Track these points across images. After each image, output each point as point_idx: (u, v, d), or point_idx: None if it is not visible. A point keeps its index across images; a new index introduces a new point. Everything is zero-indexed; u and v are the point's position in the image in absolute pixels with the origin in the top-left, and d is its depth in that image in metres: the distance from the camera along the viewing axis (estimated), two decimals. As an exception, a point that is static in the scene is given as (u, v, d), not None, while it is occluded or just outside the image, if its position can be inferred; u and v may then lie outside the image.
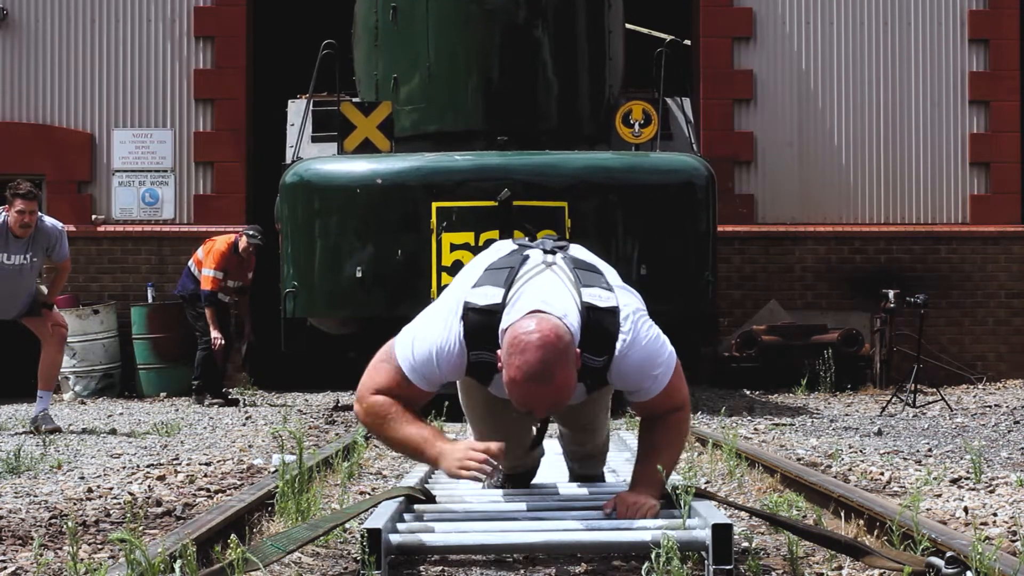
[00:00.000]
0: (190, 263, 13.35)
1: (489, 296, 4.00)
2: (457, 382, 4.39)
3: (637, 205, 11.03)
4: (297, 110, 12.65)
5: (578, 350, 3.86)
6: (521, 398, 3.82)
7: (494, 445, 4.10)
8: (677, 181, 11.23)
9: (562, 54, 12.25)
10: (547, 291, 3.99)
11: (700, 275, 10.95)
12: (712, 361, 15.09)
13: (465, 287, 4.09)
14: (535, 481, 4.86)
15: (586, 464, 4.93)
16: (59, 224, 9.93)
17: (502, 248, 4.32)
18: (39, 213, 9.70)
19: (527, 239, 4.39)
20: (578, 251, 4.30)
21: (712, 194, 11.29)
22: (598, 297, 4.00)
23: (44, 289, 9.93)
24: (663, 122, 12.14)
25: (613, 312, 3.99)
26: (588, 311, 3.96)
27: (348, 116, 11.78)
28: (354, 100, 12.19)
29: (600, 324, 3.96)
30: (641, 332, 4.02)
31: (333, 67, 11.80)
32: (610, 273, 4.22)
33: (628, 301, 4.09)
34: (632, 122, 12.05)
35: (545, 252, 4.17)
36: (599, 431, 4.77)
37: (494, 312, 3.96)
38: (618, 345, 3.97)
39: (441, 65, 12.09)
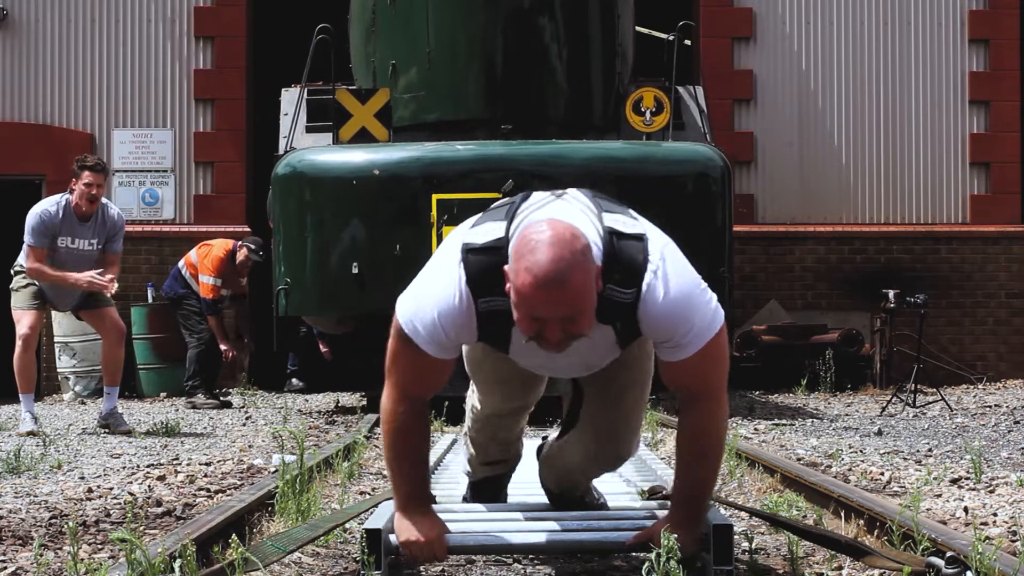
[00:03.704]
0: (180, 265, 13.02)
1: (490, 232, 3.48)
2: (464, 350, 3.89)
3: (649, 197, 10.40)
4: (291, 99, 12.18)
5: (599, 265, 3.34)
6: (531, 308, 3.25)
7: (440, 553, 3.70)
8: (691, 172, 10.82)
9: (569, 39, 11.81)
10: (560, 215, 3.43)
11: (715, 271, 10.47)
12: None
13: (464, 231, 3.59)
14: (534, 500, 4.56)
15: (607, 463, 4.20)
16: (123, 215, 9.75)
17: (503, 199, 3.79)
18: (105, 200, 9.45)
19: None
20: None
21: (728, 186, 10.85)
22: (622, 223, 3.46)
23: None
24: (675, 111, 11.67)
25: (640, 238, 3.43)
26: (611, 236, 3.41)
27: (344, 104, 11.33)
28: (350, 88, 11.73)
29: (625, 251, 3.40)
30: (674, 266, 3.45)
31: (328, 54, 11.43)
32: (634, 212, 3.65)
33: (657, 233, 3.53)
34: (643, 110, 11.61)
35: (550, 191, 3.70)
36: (633, 416, 4.01)
37: (497, 248, 3.42)
38: (647, 277, 3.39)
39: (442, 51, 11.66)
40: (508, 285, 3.32)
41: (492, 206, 3.66)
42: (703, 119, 12.10)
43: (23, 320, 9.41)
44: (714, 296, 3.53)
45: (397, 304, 3.62)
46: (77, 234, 9.29)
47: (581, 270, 3.24)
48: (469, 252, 3.46)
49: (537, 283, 3.21)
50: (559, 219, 3.33)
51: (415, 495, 3.73)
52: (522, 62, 11.65)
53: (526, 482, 4.79)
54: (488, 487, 4.45)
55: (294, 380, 15.57)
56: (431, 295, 3.51)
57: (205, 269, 12.75)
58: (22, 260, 9.42)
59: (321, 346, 14.19)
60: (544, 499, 4.50)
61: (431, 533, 3.67)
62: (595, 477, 4.37)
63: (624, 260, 3.40)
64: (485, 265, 3.43)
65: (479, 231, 3.51)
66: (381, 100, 11.39)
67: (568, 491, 4.37)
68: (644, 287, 3.40)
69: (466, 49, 11.67)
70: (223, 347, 12.80)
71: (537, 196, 3.60)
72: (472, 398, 4.25)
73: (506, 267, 3.34)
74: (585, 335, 3.38)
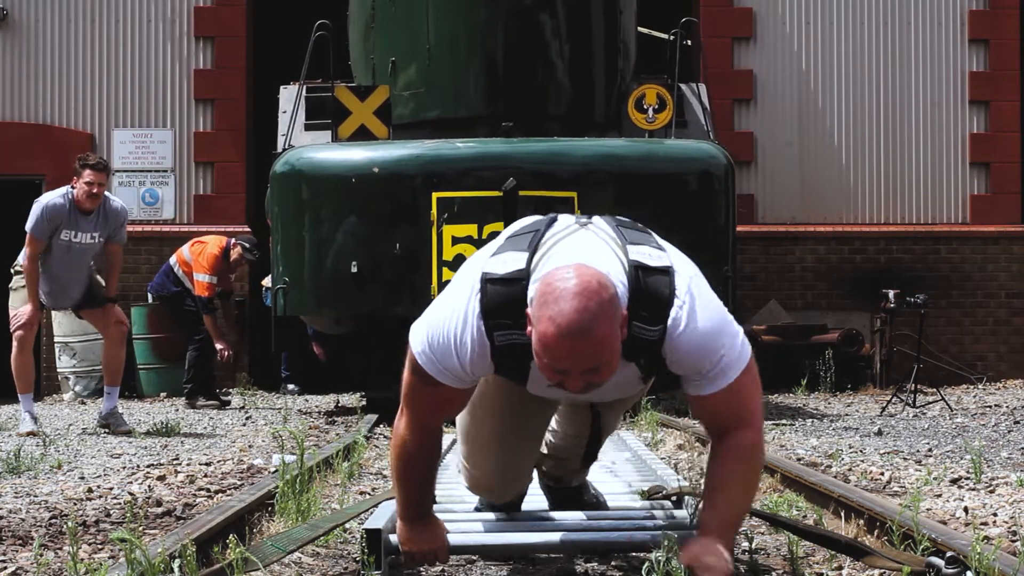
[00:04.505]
0: (172, 262, 12.88)
1: (510, 263, 3.34)
2: None
3: (651, 195, 10.46)
4: (289, 96, 12.05)
5: (625, 311, 3.22)
6: (554, 359, 3.14)
7: (443, 558, 3.75)
8: (694, 170, 10.71)
9: (571, 35, 11.64)
10: (583, 249, 3.33)
11: (719, 270, 10.34)
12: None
13: (484, 258, 3.46)
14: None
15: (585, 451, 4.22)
16: (126, 207, 9.72)
17: (527, 219, 3.65)
18: (107, 193, 9.43)
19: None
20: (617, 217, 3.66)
21: (731, 184, 10.74)
22: (648, 255, 3.35)
23: (100, 280, 9.72)
24: (678, 108, 11.52)
25: (666, 272, 3.33)
26: (636, 271, 3.30)
27: (343, 101, 11.18)
28: (349, 85, 11.58)
29: (651, 287, 3.30)
30: (700, 300, 3.35)
31: (327, 51, 11.31)
32: (658, 239, 3.57)
33: (684, 263, 3.44)
34: (645, 107, 11.45)
35: (575, 217, 3.57)
36: (627, 406, 4.11)
37: (518, 280, 3.31)
38: (672, 312, 3.30)
39: (442, 47, 11.53)
40: (530, 328, 3.22)
41: (515, 231, 3.54)
42: (706, 117, 11.96)
43: None
44: (741, 331, 3.43)
45: (411, 332, 3.48)
46: (80, 227, 9.31)
47: (606, 321, 3.13)
48: (488, 282, 3.34)
49: (560, 333, 3.11)
50: (585, 264, 3.22)
51: (419, 506, 3.71)
52: (523, 59, 11.52)
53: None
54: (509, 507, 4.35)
55: (290, 386, 15.56)
56: (445, 326, 3.38)
57: (200, 267, 12.61)
58: (22, 260, 9.42)
59: (315, 347, 14.15)
60: (544, 501, 4.50)
61: (435, 542, 3.70)
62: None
63: (651, 296, 3.30)
64: (504, 297, 3.32)
65: (499, 260, 3.38)
66: (380, 97, 11.27)
67: (564, 475, 4.34)
68: (670, 323, 3.30)
69: (466, 46, 11.55)
70: (219, 346, 12.75)
71: (562, 223, 3.49)
72: (464, 467, 4.14)
73: (528, 311, 3.22)
74: (606, 382, 3.28)
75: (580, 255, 3.29)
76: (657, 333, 3.30)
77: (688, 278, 3.37)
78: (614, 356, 3.20)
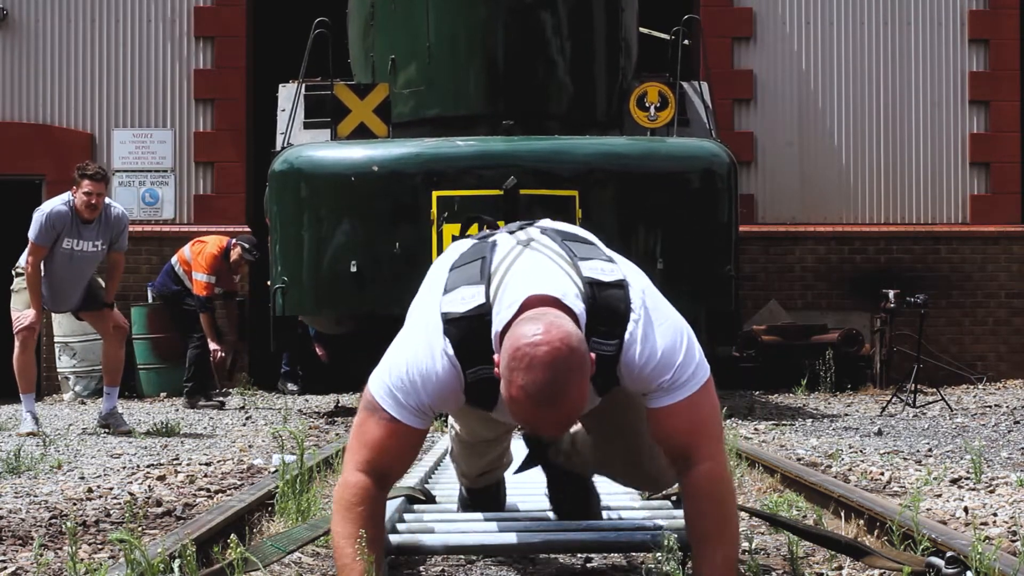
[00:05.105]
0: (174, 261, 12.86)
1: (468, 299, 3.28)
2: None
3: (653, 194, 10.42)
4: (288, 95, 12.00)
5: (593, 356, 3.15)
6: (524, 419, 3.14)
7: None
8: (696, 168, 10.65)
9: (572, 33, 11.58)
10: (537, 272, 3.28)
11: (721, 269, 10.38)
12: (713, 361, 15.04)
13: (434, 297, 3.36)
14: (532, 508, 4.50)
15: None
16: (126, 212, 9.71)
17: (460, 246, 3.56)
18: (107, 199, 9.42)
19: (485, 228, 3.66)
20: (553, 223, 3.60)
21: (733, 182, 10.70)
22: (600, 270, 3.31)
23: (101, 282, 9.74)
24: (680, 106, 11.47)
25: (620, 286, 3.29)
26: (592, 288, 3.26)
27: (342, 100, 11.12)
28: (349, 83, 11.54)
29: (608, 302, 3.26)
30: (655, 311, 3.30)
31: (326, 49, 11.26)
32: (605, 248, 3.50)
33: (633, 273, 3.39)
34: (647, 105, 11.40)
35: (512, 234, 3.48)
36: (640, 439, 3.80)
37: (481, 316, 3.25)
38: (629, 326, 3.25)
39: (442, 45, 11.45)
40: (497, 370, 3.16)
41: (456, 262, 3.44)
42: (708, 115, 11.87)
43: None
44: (700, 349, 3.35)
45: (370, 380, 3.39)
46: (82, 236, 9.30)
47: (578, 384, 3.08)
48: (450, 323, 3.27)
49: (532, 401, 3.06)
50: (554, 321, 3.11)
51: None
52: (524, 56, 11.44)
53: (525, 482, 4.78)
54: (485, 495, 4.35)
55: (289, 385, 15.54)
56: (411, 362, 3.29)
57: (199, 266, 12.60)
58: (23, 262, 9.42)
59: (317, 349, 14.10)
60: (544, 500, 4.49)
61: None
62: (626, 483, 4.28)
63: (607, 312, 3.26)
64: (471, 335, 3.26)
65: (455, 297, 3.30)
66: (380, 95, 11.22)
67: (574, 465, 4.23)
68: (627, 337, 3.26)
69: (467, 43, 11.47)
70: (213, 347, 12.74)
71: (504, 246, 3.42)
72: (455, 424, 4.09)
73: (496, 356, 3.18)
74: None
75: (536, 281, 3.24)
76: (614, 348, 3.26)
77: (641, 290, 3.33)
78: (583, 408, 3.19)
